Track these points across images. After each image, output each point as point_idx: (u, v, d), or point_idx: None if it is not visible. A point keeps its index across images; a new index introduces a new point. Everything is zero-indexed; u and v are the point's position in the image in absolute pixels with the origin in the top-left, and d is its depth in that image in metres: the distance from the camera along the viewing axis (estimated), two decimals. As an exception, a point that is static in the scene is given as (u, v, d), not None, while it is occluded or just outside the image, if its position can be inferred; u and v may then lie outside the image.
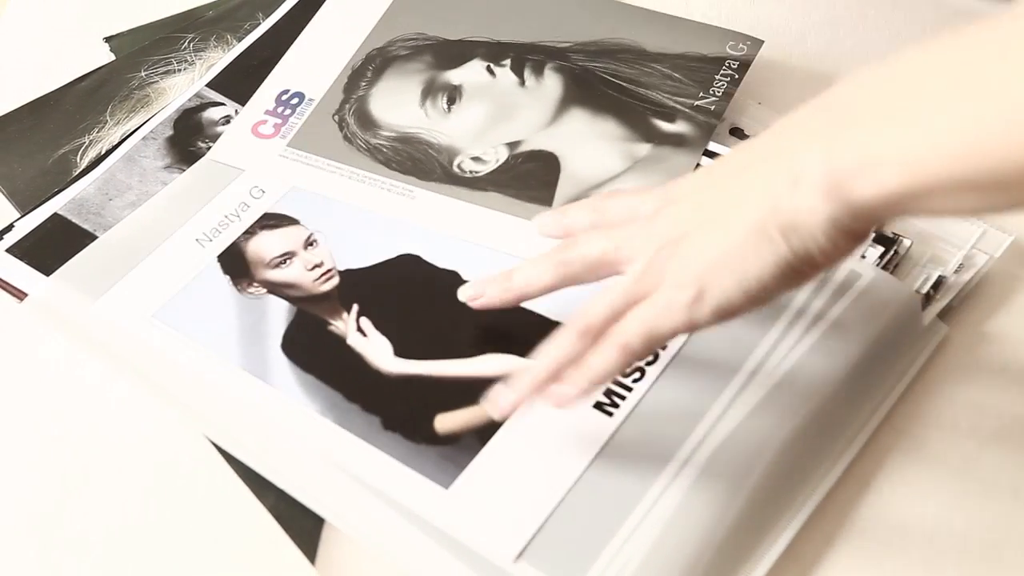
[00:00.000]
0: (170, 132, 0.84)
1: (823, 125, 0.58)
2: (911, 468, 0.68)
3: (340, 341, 0.72)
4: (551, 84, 0.84)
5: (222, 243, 0.76)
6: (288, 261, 0.76)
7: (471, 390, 0.68)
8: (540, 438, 0.67)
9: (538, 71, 0.84)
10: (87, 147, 0.84)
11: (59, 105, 0.87)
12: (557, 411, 0.64)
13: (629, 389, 0.68)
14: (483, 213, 0.78)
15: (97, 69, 0.89)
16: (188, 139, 0.83)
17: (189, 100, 0.86)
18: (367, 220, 0.77)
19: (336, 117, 0.83)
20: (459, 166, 0.80)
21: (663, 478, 0.65)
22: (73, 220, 0.79)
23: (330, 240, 0.76)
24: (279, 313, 0.73)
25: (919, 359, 0.72)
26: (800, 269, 0.59)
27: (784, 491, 0.66)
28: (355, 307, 0.73)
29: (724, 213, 0.60)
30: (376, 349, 0.71)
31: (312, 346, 0.72)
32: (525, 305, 0.71)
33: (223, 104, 0.85)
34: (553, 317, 0.71)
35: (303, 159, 0.82)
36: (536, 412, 0.66)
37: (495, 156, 0.80)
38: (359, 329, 0.72)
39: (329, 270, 0.75)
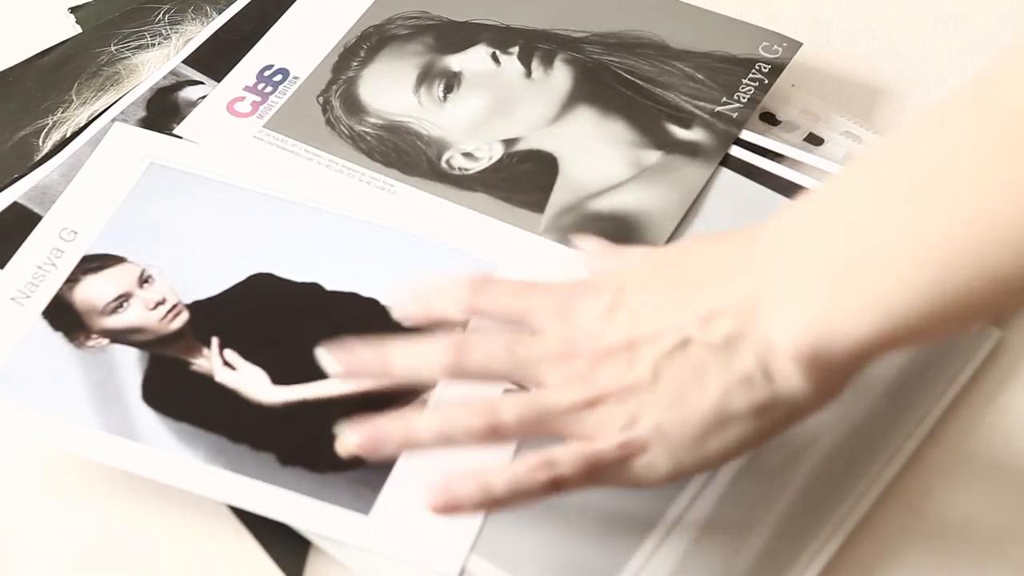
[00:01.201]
0: (143, 113, 0.81)
1: (773, 283, 0.58)
2: (959, 491, 0.67)
3: (208, 380, 0.69)
4: (560, 77, 0.81)
5: (43, 297, 0.72)
6: (125, 304, 0.72)
7: (367, 406, 0.65)
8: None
9: (547, 62, 0.82)
10: (50, 129, 0.82)
11: (19, 82, 0.84)
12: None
13: None
14: (467, 215, 0.76)
15: (62, 43, 0.86)
16: (163, 121, 0.80)
17: (164, 78, 0.83)
18: (204, 242, 0.74)
19: (321, 99, 0.81)
20: (448, 162, 0.78)
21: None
22: (34, 209, 0.77)
23: (168, 272, 0.73)
24: (130, 362, 0.69)
25: (967, 368, 0.70)
26: (775, 431, 0.60)
27: (817, 512, 0.65)
28: (215, 340, 0.70)
29: (683, 385, 0.59)
30: (250, 381, 0.69)
31: (178, 391, 0.69)
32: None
33: (201, 83, 0.82)
34: None
35: (279, 143, 0.79)
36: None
37: (488, 153, 0.78)
38: (226, 363, 0.69)
39: (175, 305, 0.71)
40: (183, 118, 0.80)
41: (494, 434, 0.61)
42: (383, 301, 0.71)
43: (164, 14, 0.87)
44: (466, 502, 0.60)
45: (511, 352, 0.61)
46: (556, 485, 0.60)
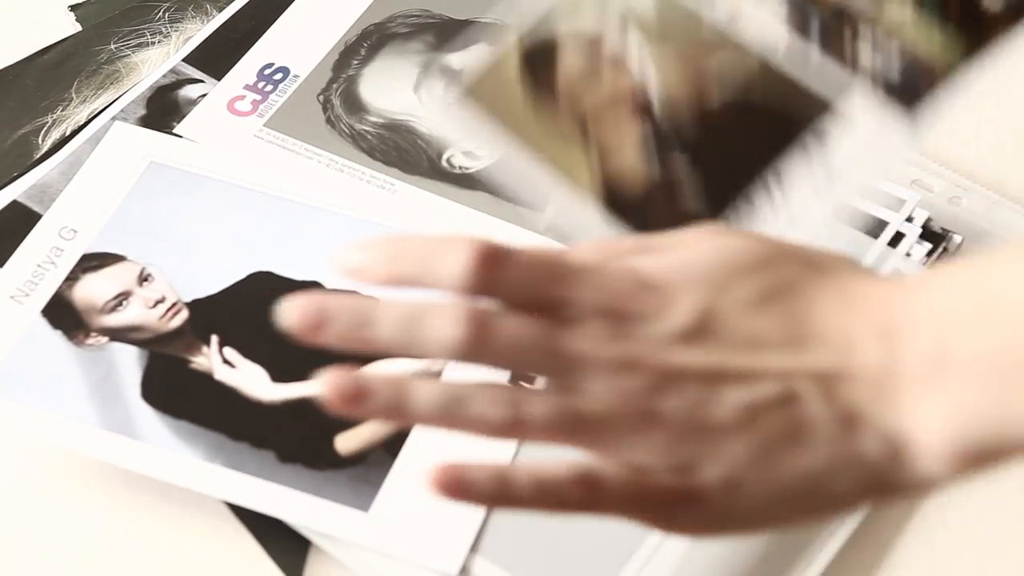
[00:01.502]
0: (143, 111, 0.81)
1: (919, 363, 0.50)
2: (961, 491, 0.61)
3: (207, 378, 0.70)
4: None
5: (42, 296, 0.72)
6: (124, 302, 0.72)
7: None
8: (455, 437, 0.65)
9: None
10: (50, 127, 0.82)
11: (18, 81, 0.84)
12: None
13: None
14: (468, 214, 0.76)
15: (61, 41, 0.86)
16: (163, 119, 0.81)
17: (164, 76, 0.83)
18: (204, 240, 0.75)
19: (321, 97, 0.81)
20: (448, 160, 0.78)
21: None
22: (34, 208, 0.77)
23: (167, 271, 0.73)
24: (129, 361, 0.70)
25: None
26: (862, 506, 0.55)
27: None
28: (214, 338, 0.71)
29: (777, 443, 0.50)
30: (250, 378, 0.70)
31: (177, 389, 0.69)
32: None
33: (201, 81, 0.83)
34: None
35: (279, 141, 0.79)
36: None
37: (489, 152, 0.77)
38: (225, 361, 0.70)
39: (174, 304, 0.72)
40: (183, 116, 0.80)
41: (512, 431, 0.51)
42: (384, 299, 0.71)
43: (164, 12, 0.87)
44: (477, 495, 0.52)
45: (546, 341, 0.51)
46: (590, 508, 0.52)
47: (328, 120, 0.79)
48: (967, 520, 0.65)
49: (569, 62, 0.59)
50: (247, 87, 0.81)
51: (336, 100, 0.80)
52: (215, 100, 0.81)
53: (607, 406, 0.50)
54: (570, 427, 0.51)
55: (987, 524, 0.65)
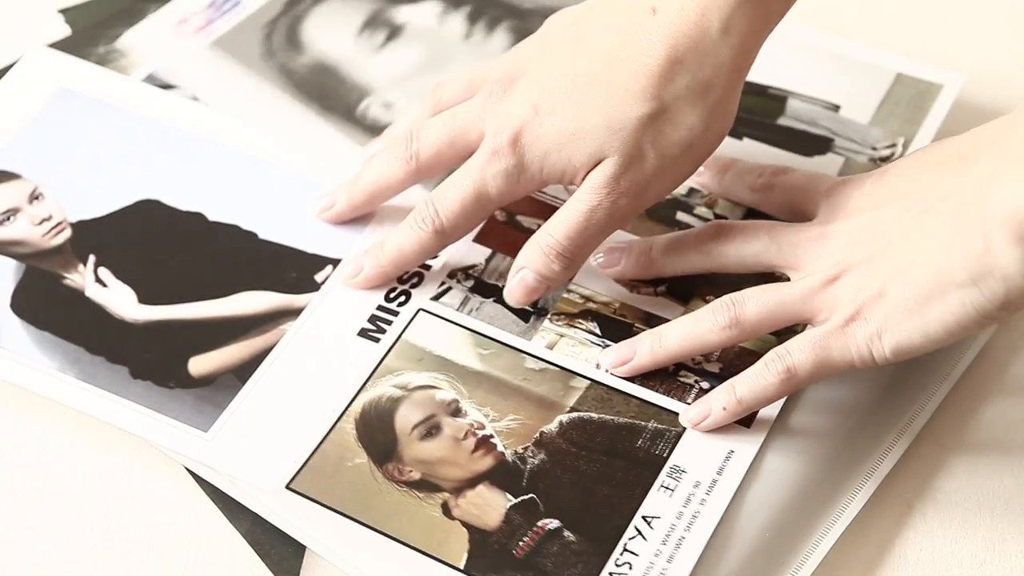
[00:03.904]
0: None
1: (1004, 160, 0.59)
2: (959, 489, 0.67)
3: (78, 294, 0.73)
4: (497, 44, 0.83)
5: None
6: (11, 218, 0.76)
7: (227, 330, 0.71)
8: (305, 371, 0.70)
9: (490, 27, 0.83)
10: None
11: None
12: (323, 344, 0.70)
13: (395, 314, 0.72)
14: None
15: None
16: None
17: None
18: (99, 166, 0.78)
19: (265, 28, 0.83)
20: (365, 110, 0.80)
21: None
22: None
23: (59, 191, 0.77)
24: (6, 272, 0.74)
25: (964, 358, 0.71)
26: (992, 314, 0.61)
27: (812, 509, 0.66)
28: (92, 258, 0.74)
29: (912, 250, 0.63)
30: (118, 298, 0.73)
31: (46, 302, 0.73)
32: (276, 239, 0.74)
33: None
34: (310, 250, 0.74)
35: (216, 62, 0.82)
36: (299, 347, 0.70)
37: (406, 109, 0.80)
38: (98, 280, 0.74)
39: (59, 223, 0.76)
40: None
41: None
42: (261, 235, 0.75)
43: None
44: (719, 415, 0.66)
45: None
46: (790, 376, 0.65)
47: (267, 50, 0.82)
48: (965, 517, 0.66)
49: (405, 415, 0.68)
50: (197, 8, 0.84)
51: (278, 34, 0.83)
52: (164, 17, 0.83)
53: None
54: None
55: (985, 521, 0.66)
